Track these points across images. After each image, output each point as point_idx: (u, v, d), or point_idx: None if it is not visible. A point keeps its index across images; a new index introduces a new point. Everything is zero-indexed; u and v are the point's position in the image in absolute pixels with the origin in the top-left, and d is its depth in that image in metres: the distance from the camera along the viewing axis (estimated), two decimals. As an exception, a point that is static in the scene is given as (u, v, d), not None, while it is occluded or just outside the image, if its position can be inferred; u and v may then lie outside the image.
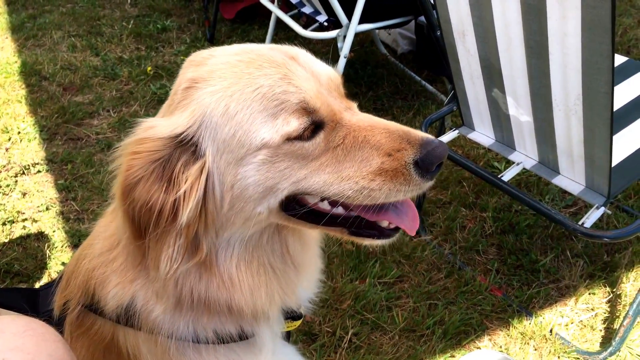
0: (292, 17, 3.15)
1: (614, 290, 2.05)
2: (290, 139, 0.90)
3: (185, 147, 0.89)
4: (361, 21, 2.75)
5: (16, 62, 3.51)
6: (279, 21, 3.24)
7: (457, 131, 2.09)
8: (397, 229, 1.03)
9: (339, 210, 0.99)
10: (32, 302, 1.17)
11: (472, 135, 2.06)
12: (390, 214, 1.01)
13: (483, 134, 2.04)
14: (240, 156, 0.90)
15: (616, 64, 2.21)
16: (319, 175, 0.93)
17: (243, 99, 0.89)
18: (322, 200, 0.98)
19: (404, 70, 3.50)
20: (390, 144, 0.93)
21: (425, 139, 0.93)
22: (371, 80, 3.39)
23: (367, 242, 1.03)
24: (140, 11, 4.26)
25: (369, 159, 0.93)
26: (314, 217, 0.99)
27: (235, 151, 0.90)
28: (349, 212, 0.99)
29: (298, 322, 1.23)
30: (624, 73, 2.16)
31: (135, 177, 0.87)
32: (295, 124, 0.90)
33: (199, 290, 0.97)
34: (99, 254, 1.05)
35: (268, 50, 0.97)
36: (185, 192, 0.88)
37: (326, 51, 3.66)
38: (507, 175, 1.86)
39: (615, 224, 2.32)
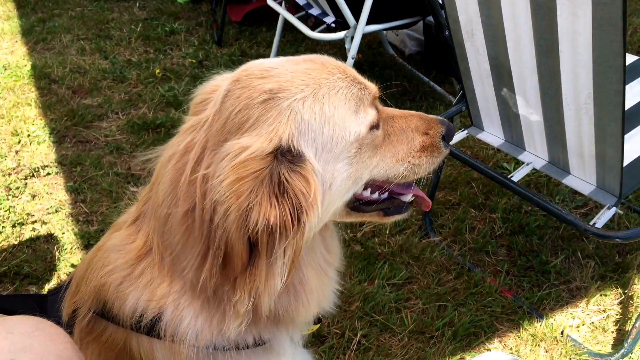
0: (300, 18, 3.15)
1: (626, 291, 2.03)
2: (371, 127, 1.01)
3: (287, 157, 0.91)
4: (369, 22, 2.75)
5: (26, 65, 3.54)
6: (286, 23, 3.24)
7: (466, 131, 2.08)
8: (410, 204, 1.18)
9: (375, 195, 1.11)
10: (41, 308, 1.16)
11: (481, 136, 2.05)
12: (413, 188, 1.17)
13: (492, 134, 2.03)
14: (337, 153, 0.97)
15: (627, 63, 2.19)
16: (384, 160, 1.06)
17: (332, 101, 0.97)
18: (366, 188, 1.08)
19: (412, 71, 3.49)
20: (424, 125, 1.11)
21: (441, 119, 1.15)
22: (379, 81, 3.34)
23: (393, 219, 1.17)
24: (148, 14, 4.28)
25: (413, 140, 1.09)
26: (361, 205, 1.11)
27: (333, 150, 0.97)
28: (381, 195, 1.12)
29: (317, 326, 1.23)
30: (634, 72, 2.14)
31: (248, 204, 0.85)
32: (373, 113, 1.02)
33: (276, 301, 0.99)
34: (121, 267, 1.02)
35: (326, 58, 1.05)
36: (308, 199, 0.89)
37: (334, 52, 3.66)
38: (517, 176, 1.84)
39: (626, 225, 2.29)
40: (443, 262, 2.17)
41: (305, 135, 0.93)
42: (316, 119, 0.95)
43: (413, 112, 1.14)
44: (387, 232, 2.31)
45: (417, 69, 3.51)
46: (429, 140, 1.10)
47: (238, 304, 0.93)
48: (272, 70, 0.98)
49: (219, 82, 1.06)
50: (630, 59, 2.22)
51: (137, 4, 4.43)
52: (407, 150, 1.08)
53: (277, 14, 3.27)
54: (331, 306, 1.17)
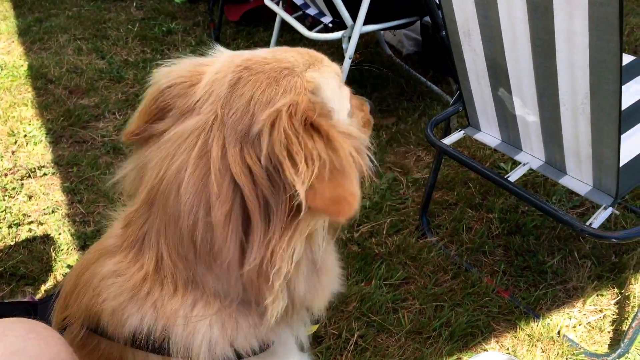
0: (297, 18, 3.15)
1: (622, 291, 2.03)
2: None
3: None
4: (366, 22, 2.75)
5: (22, 65, 3.53)
6: (284, 23, 3.24)
7: (463, 132, 2.08)
8: None
9: None
10: (31, 316, 1.13)
11: (478, 136, 2.05)
12: None
13: (489, 135, 2.03)
14: (344, 120, 1.04)
15: (623, 63, 2.19)
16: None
17: (330, 77, 1.03)
18: None
19: (409, 72, 3.49)
20: (359, 103, 1.19)
21: (363, 98, 1.25)
22: (376, 81, 3.38)
23: None
24: (145, 14, 4.28)
25: (358, 115, 1.17)
26: None
27: (342, 117, 1.03)
28: None
29: (317, 326, 1.23)
30: (631, 72, 2.14)
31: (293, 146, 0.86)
32: (347, 90, 1.10)
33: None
34: (125, 291, 0.98)
35: (300, 48, 1.11)
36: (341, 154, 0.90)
37: (331, 52, 3.65)
38: (514, 176, 1.84)
39: (623, 225, 2.29)
40: (440, 263, 2.17)
41: (328, 103, 0.99)
42: (330, 90, 1.00)
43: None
44: (385, 232, 2.31)
45: (414, 69, 3.50)
46: (365, 115, 1.21)
47: (275, 277, 0.90)
48: (273, 56, 1.00)
49: (196, 68, 1.02)
50: (627, 59, 2.23)
51: (134, 4, 4.42)
52: (360, 124, 1.16)
53: (274, 14, 3.26)
54: (339, 289, 1.14)
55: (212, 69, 1.00)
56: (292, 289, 0.95)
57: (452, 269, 2.14)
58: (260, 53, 1.01)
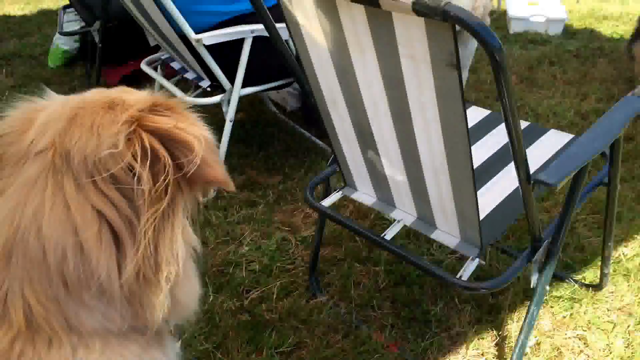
0: (177, 82, 3.13)
1: (500, 332, 2.14)
2: None
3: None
4: (244, 85, 2.79)
5: None
6: (163, 86, 3.20)
7: (340, 192, 2.13)
8: None
9: None
10: None
11: (355, 196, 2.11)
12: None
13: (365, 194, 2.10)
14: None
15: (479, 118, 2.39)
16: None
17: None
18: None
19: (294, 128, 3.57)
20: None
21: None
22: (262, 139, 3.41)
23: None
24: (16, 81, 4.06)
25: None
26: None
27: None
28: None
29: (179, 343, 1.25)
30: (488, 126, 2.33)
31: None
32: None
33: None
34: None
35: None
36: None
37: (216, 112, 3.65)
38: (390, 234, 1.91)
39: (497, 266, 2.44)
40: (331, 323, 2.18)
41: None
42: None
43: None
44: (275, 296, 2.29)
45: (299, 124, 3.58)
46: None
47: (162, 266, 0.93)
48: (101, 94, 1.02)
49: (27, 115, 0.99)
50: (483, 113, 2.42)
51: (4, 70, 4.19)
52: None
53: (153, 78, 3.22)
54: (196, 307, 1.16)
55: (44, 113, 0.98)
56: (173, 294, 0.97)
57: (343, 327, 2.16)
58: (90, 94, 1.02)
